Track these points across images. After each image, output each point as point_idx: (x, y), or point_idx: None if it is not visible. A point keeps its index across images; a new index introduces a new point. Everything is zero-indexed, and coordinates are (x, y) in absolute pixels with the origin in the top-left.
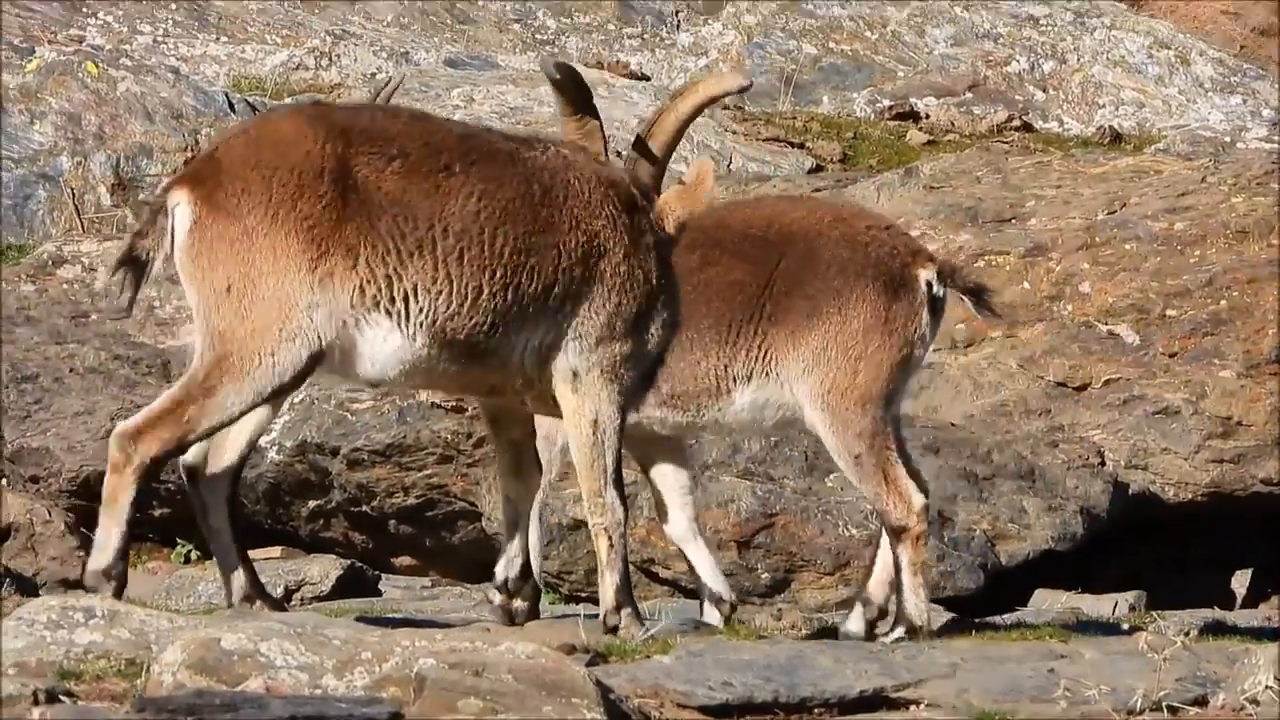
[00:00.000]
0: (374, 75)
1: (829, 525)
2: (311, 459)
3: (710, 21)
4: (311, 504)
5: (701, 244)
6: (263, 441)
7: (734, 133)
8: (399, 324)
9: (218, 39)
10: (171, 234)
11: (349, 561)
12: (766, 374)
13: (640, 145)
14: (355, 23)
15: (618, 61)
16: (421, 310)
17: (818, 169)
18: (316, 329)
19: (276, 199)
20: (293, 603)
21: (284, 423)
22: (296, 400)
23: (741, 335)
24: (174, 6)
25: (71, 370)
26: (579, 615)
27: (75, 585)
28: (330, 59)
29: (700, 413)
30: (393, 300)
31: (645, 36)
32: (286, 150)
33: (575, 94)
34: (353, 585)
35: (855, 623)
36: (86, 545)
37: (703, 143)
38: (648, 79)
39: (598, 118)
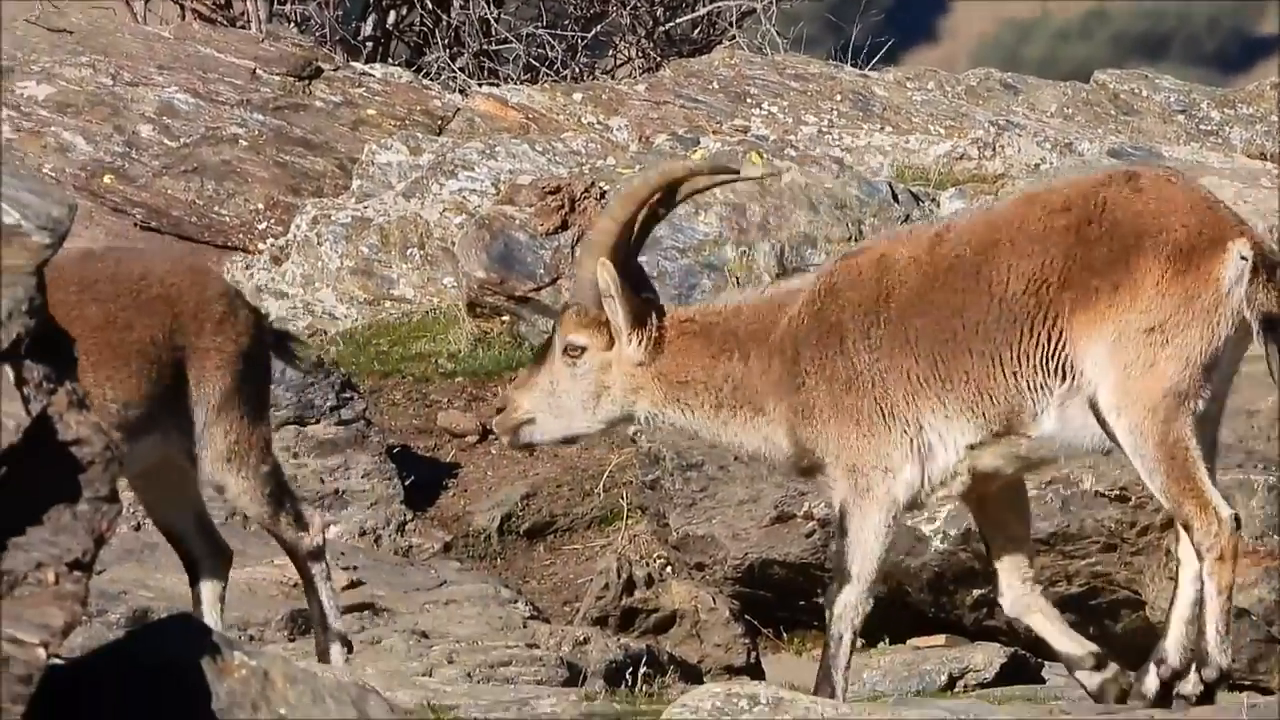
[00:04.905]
0: (1038, 166)
1: None
2: (975, 548)
3: None
4: (975, 593)
5: None
6: (926, 530)
7: None
8: None
9: (882, 129)
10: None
11: (1012, 649)
12: None
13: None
14: (1019, 113)
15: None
16: None
17: None
18: None
19: None
20: (956, 690)
21: (948, 512)
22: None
23: None
24: (838, 98)
25: (735, 458)
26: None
27: (739, 672)
28: (994, 149)
29: None
30: None
31: None
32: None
33: None
34: (1016, 673)
35: (1149, 682)
36: (750, 633)
37: None
38: None
39: None
